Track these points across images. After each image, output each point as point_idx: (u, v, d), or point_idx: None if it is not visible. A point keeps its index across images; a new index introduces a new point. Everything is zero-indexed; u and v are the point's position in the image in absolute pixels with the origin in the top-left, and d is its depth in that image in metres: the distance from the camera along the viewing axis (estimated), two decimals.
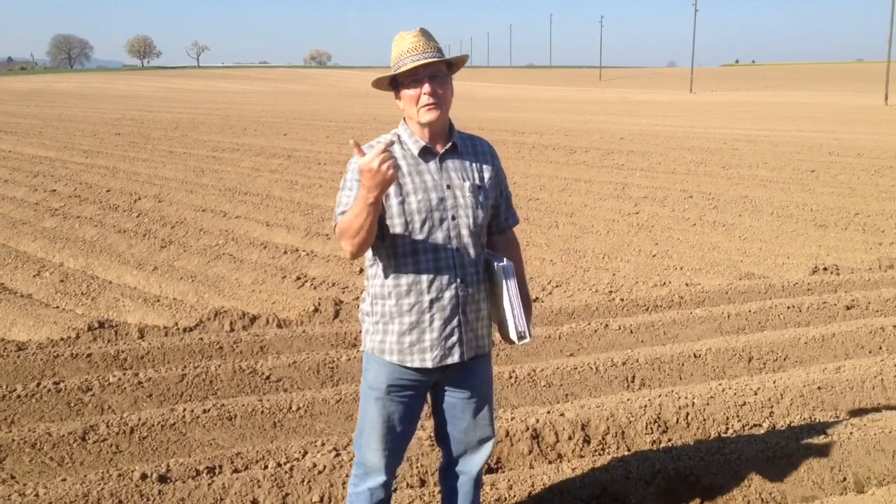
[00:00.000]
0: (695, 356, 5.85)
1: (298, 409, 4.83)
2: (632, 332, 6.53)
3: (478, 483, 3.20)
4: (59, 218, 11.50)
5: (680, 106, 50.55)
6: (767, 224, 11.50)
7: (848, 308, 7.18)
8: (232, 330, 6.62)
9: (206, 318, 6.78)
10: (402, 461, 3.13)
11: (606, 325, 6.57)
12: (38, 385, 5.06)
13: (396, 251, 2.84)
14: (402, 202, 2.80)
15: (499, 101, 54.18)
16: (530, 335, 2.96)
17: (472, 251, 2.88)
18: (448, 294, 2.85)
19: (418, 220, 2.80)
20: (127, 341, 6.21)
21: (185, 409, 4.69)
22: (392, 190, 2.79)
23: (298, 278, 8.22)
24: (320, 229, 10.83)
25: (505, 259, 2.92)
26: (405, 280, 2.84)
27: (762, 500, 3.92)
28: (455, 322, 2.87)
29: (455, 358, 2.89)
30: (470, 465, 3.15)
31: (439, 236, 2.82)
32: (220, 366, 5.48)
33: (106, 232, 10.55)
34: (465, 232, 2.86)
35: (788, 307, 7.09)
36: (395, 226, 2.81)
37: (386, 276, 2.87)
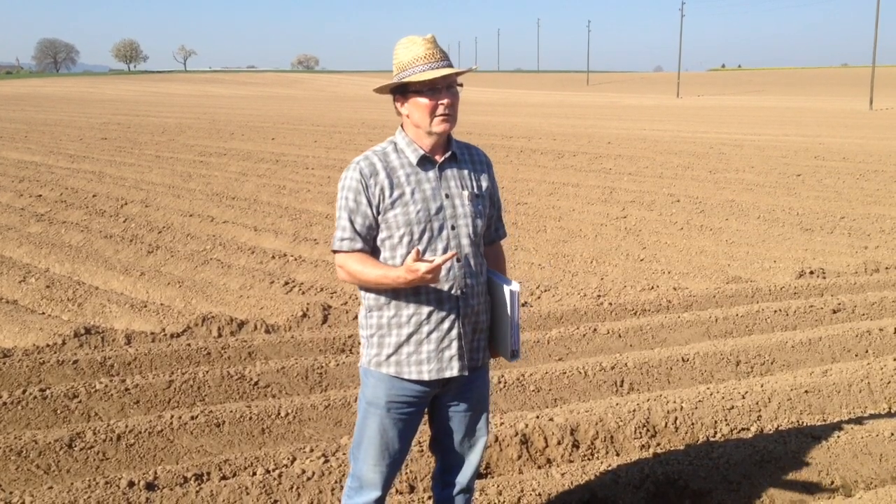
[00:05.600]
0: (683, 360, 5.87)
1: (287, 415, 4.81)
2: (620, 336, 6.55)
3: (469, 492, 3.18)
4: (44, 223, 11.42)
5: (667, 110, 50.77)
6: (754, 228, 11.56)
7: (834, 312, 7.22)
8: (220, 336, 6.59)
9: (194, 323, 6.75)
10: (397, 475, 3.08)
11: (595, 330, 6.59)
12: (24, 392, 5.02)
13: (396, 262, 2.79)
14: (401, 213, 2.76)
15: (487, 106, 54.27)
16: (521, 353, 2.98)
17: (472, 261, 2.86)
18: (447, 305, 2.81)
19: (417, 230, 2.77)
20: (114, 347, 6.17)
21: (172, 416, 4.67)
22: (390, 201, 2.76)
23: (286, 283, 8.19)
24: (308, 234, 10.81)
25: (514, 282, 2.88)
26: (404, 291, 2.78)
27: None
28: (453, 334, 2.83)
29: (454, 371, 2.85)
30: (464, 474, 3.12)
31: (439, 246, 2.79)
32: (207, 372, 5.45)
33: (92, 237, 10.49)
34: (465, 242, 2.83)
35: (775, 311, 7.12)
36: (395, 236, 2.78)
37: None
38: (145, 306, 7.39)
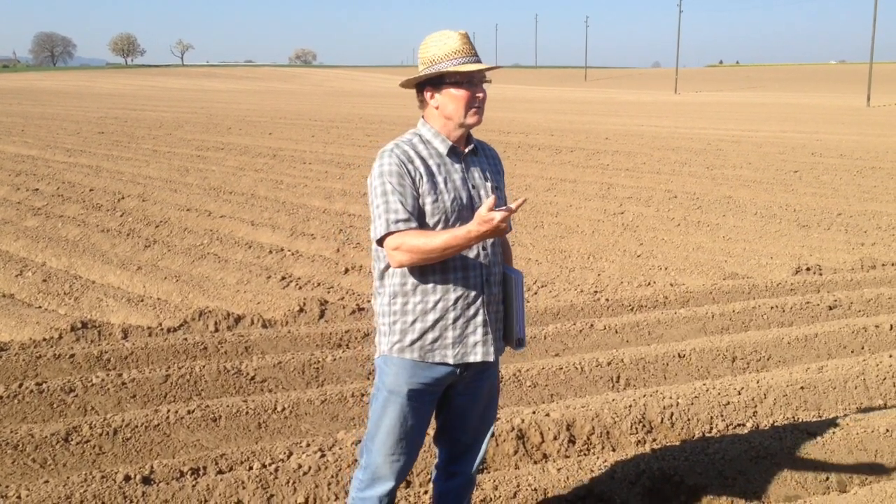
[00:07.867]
0: (679, 356, 5.88)
1: (283, 409, 4.81)
2: (617, 332, 6.55)
3: (472, 484, 3.19)
4: (41, 217, 11.41)
5: (664, 106, 50.76)
6: (751, 224, 11.57)
7: (831, 308, 7.24)
8: (216, 330, 6.58)
9: (191, 318, 6.75)
10: (411, 466, 3.06)
11: (591, 325, 6.59)
12: (21, 386, 5.01)
13: None
14: (435, 201, 2.78)
15: None
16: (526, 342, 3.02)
17: (497, 250, 2.93)
18: (473, 292, 2.84)
19: (452, 218, 2.79)
20: (110, 342, 6.16)
21: (169, 410, 4.67)
22: (425, 188, 2.76)
23: (283, 278, 8.19)
24: (305, 229, 10.80)
25: (518, 271, 2.94)
26: (433, 277, 2.81)
27: (746, 499, 3.94)
28: (479, 320, 2.86)
29: (478, 356, 2.87)
30: (469, 464, 3.14)
31: None
32: (204, 366, 5.45)
33: (89, 231, 10.48)
34: None
35: (772, 307, 7.14)
36: (428, 224, 2.78)
37: (411, 274, 2.82)
38: (142, 300, 7.39)
